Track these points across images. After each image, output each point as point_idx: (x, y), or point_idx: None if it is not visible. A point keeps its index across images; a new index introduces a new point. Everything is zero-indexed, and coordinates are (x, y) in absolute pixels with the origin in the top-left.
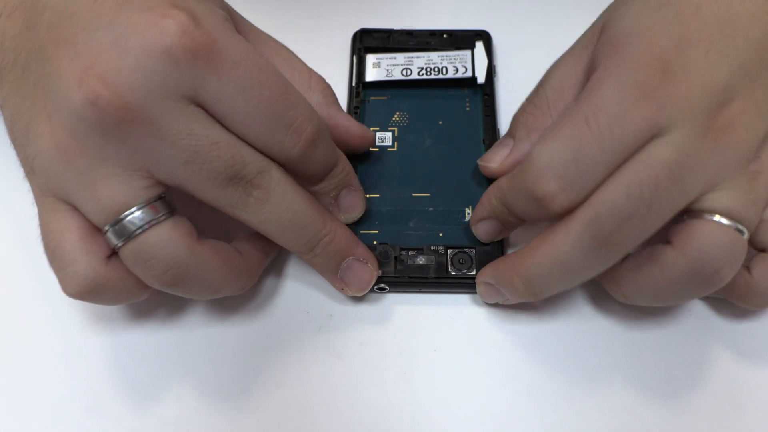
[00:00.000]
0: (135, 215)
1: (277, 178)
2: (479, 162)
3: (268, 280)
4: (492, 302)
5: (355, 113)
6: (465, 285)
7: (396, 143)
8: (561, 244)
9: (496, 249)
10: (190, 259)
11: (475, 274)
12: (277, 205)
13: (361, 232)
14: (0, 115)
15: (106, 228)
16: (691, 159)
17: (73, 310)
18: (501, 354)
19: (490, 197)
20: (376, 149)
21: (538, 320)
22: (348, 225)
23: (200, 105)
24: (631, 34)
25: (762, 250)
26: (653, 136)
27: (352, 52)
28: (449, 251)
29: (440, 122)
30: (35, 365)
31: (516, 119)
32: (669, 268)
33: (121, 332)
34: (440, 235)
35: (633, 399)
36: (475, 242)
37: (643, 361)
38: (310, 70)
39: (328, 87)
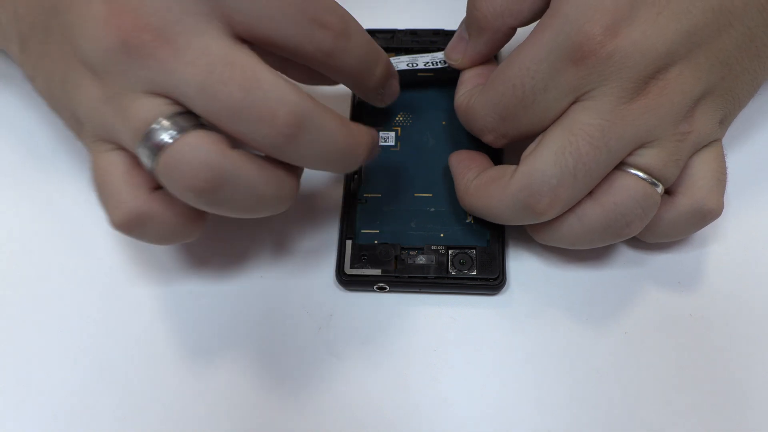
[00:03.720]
0: (161, 125)
1: (311, 115)
2: (445, 56)
3: (268, 279)
4: None
5: (358, 112)
6: (465, 285)
7: (399, 143)
8: (497, 201)
9: (496, 249)
10: (225, 161)
11: (476, 274)
12: (313, 143)
13: (363, 231)
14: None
15: (138, 148)
16: (615, 125)
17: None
18: (501, 354)
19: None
20: (379, 149)
21: (538, 321)
22: (350, 222)
23: (228, 23)
24: None
25: (665, 192)
26: (577, 99)
27: None
28: (450, 251)
29: (443, 122)
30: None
31: (471, 15)
32: (586, 218)
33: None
34: (441, 235)
35: (634, 400)
36: (476, 243)
37: (647, 363)
38: None
39: None
